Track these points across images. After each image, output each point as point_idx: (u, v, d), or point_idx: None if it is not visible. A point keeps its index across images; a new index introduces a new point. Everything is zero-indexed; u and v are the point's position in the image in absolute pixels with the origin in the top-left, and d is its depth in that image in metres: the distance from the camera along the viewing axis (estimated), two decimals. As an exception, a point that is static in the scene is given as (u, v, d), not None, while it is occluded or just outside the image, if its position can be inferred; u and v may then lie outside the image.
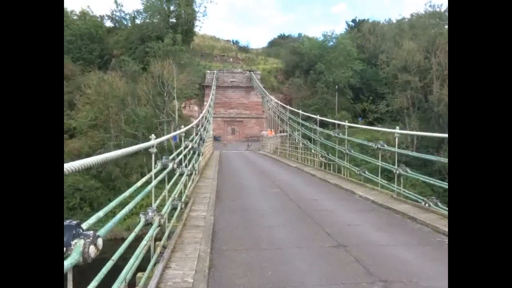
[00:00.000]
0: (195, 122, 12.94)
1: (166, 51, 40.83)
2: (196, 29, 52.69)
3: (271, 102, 35.46)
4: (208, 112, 23.35)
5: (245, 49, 67.86)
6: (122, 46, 47.41)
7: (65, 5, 50.55)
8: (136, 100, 32.71)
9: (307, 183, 12.52)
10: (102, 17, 52.52)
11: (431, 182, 8.36)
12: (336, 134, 13.70)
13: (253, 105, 49.40)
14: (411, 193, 8.91)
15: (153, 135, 4.72)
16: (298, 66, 49.99)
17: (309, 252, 5.16)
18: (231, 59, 59.53)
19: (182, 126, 9.39)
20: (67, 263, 1.87)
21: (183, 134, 8.76)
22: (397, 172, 8.86)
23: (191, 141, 10.04)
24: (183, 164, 7.83)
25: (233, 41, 74.46)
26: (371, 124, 39.62)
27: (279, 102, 32.47)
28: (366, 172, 11.26)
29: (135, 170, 28.32)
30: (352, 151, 12.73)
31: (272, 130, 34.12)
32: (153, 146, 4.60)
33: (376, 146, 10.23)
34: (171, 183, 6.17)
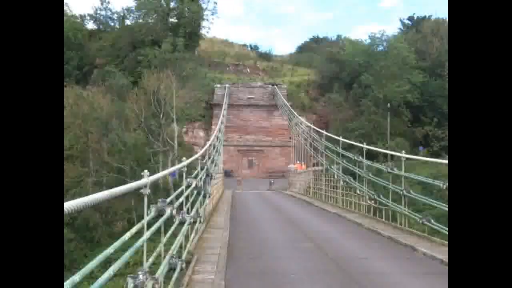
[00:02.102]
0: (200, 152, 13.04)
1: (163, 60, 41.83)
2: (203, 31, 54.25)
3: (301, 125, 35.55)
4: (217, 138, 23.54)
5: (266, 56, 69.02)
6: (107, 53, 48.84)
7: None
8: (124, 124, 33.31)
9: (350, 235, 12.38)
10: (82, 17, 54.60)
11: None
12: (389, 169, 13.56)
13: (277, 129, 49.64)
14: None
15: (146, 171, 4.73)
16: (337, 78, 50.38)
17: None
18: (248, 70, 60.51)
19: (184, 158, 9.46)
20: None
21: (185, 169, 8.81)
22: (475, 221, 8.63)
23: (195, 178, 10.09)
24: (185, 209, 7.84)
25: (251, 46, 76.21)
26: (436, 154, 39.10)
27: (311, 125, 32.49)
28: (432, 220, 11.02)
29: (120, 215, 28.45)
30: (411, 191, 12.54)
31: (303, 163, 34.01)
32: (145, 186, 4.60)
33: (444, 186, 10.05)
34: (168, 234, 6.17)
